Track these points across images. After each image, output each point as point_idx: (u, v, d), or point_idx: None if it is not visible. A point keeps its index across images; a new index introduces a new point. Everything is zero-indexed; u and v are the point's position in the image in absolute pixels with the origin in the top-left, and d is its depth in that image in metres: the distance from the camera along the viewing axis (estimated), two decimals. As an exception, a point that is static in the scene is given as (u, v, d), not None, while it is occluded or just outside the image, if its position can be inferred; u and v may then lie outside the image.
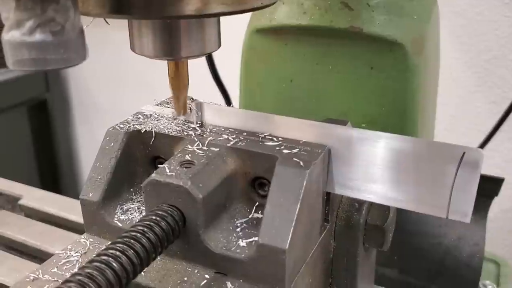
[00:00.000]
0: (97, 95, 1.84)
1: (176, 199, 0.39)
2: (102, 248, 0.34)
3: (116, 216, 0.44)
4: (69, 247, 0.43)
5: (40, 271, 0.41)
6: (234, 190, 0.43)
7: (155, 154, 0.46)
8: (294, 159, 0.39)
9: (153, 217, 0.37)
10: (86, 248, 0.43)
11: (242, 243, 0.40)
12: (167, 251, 0.41)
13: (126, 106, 1.72)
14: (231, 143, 0.43)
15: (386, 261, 0.69)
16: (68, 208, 0.82)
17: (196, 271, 0.40)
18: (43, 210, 0.83)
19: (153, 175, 0.39)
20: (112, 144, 0.45)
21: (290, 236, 0.36)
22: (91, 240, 0.44)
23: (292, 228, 0.37)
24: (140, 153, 0.46)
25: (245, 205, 0.43)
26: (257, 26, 0.68)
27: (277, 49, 0.68)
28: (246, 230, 0.41)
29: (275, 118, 0.44)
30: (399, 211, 0.44)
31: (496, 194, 0.73)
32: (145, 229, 0.35)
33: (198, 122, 0.46)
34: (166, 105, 0.49)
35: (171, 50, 0.38)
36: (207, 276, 0.39)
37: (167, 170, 0.39)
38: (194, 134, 0.45)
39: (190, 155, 0.42)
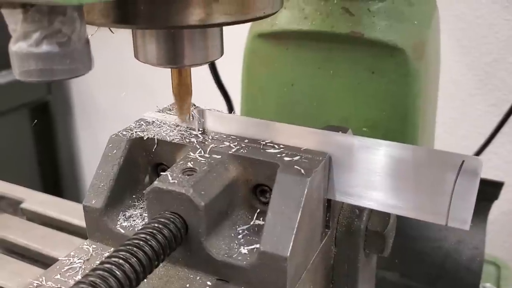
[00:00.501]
0: (98, 97, 1.84)
1: (178, 207, 0.39)
2: (105, 256, 0.34)
3: (119, 222, 0.44)
4: (72, 253, 0.44)
5: (44, 278, 0.41)
6: (235, 197, 0.43)
7: (157, 161, 0.47)
8: (295, 166, 0.40)
9: (156, 225, 0.37)
10: (89, 255, 0.43)
11: (244, 250, 0.40)
12: (169, 258, 0.41)
13: (128, 109, 1.72)
14: (233, 150, 0.43)
15: (387, 265, 0.70)
16: (70, 212, 0.82)
17: (198, 278, 0.40)
18: (45, 213, 0.83)
19: (155, 182, 0.40)
20: (115, 151, 0.45)
21: (291, 244, 0.37)
22: (93, 246, 0.44)
23: (293, 236, 0.37)
24: (142, 160, 0.47)
25: (246, 212, 0.44)
26: (258, 31, 0.68)
27: (279, 54, 0.68)
28: (248, 237, 0.42)
29: (276, 126, 0.44)
30: (399, 215, 0.44)
31: (496, 198, 0.73)
32: (147, 236, 0.36)
33: (200, 129, 0.46)
34: (169, 112, 0.50)
35: (175, 58, 0.38)
36: (209, 283, 0.40)
37: (170, 178, 0.40)
38: (196, 141, 0.45)
39: (192, 162, 0.42)
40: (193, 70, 0.44)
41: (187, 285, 0.40)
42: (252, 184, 0.43)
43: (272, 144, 0.44)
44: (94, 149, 1.93)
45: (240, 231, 0.42)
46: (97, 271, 0.32)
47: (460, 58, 1.13)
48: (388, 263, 0.70)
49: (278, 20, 0.66)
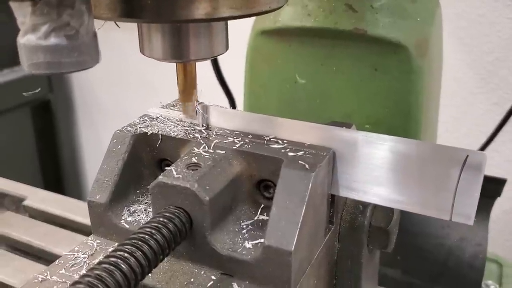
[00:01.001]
0: (100, 95, 1.85)
1: (183, 201, 0.39)
2: (110, 250, 0.34)
3: (123, 217, 0.44)
4: (76, 248, 0.44)
5: (48, 272, 0.41)
6: (239, 192, 0.43)
7: (161, 157, 0.47)
8: (300, 161, 0.40)
9: (161, 219, 0.37)
10: (93, 250, 0.44)
11: (248, 244, 0.40)
12: (174, 253, 0.41)
13: (130, 107, 1.73)
14: (237, 145, 0.43)
15: (389, 262, 0.70)
16: (72, 209, 0.83)
17: (202, 272, 0.40)
18: (48, 211, 0.83)
19: (160, 177, 0.40)
20: (119, 146, 0.45)
21: (296, 238, 0.37)
22: (98, 241, 0.45)
23: (297, 230, 0.37)
24: (146, 156, 0.47)
25: (250, 207, 0.44)
26: (261, 27, 0.68)
27: (281, 51, 0.68)
28: (252, 231, 0.42)
29: (280, 121, 0.44)
30: (403, 212, 0.44)
31: (499, 195, 0.73)
32: (152, 230, 0.36)
33: (204, 125, 0.46)
34: (172, 108, 0.50)
35: (180, 52, 0.38)
36: (213, 277, 0.40)
37: (174, 173, 0.40)
38: (200, 136, 0.45)
39: (196, 157, 0.42)
40: (196, 67, 0.44)
41: (192, 279, 0.40)
42: (256, 179, 0.43)
43: (276, 140, 0.44)
44: (96, 147, 1.93)
45: (244, 226, 0.42)
46: (102, 264, 0.33)
47: (462, 57, 1.13)
48: (390, 260, 0.70)
49: (281, 17, 0.66)
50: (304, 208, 0.38)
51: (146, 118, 0.48)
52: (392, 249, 0.48)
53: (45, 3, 0.26)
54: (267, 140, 0.44)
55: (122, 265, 0.33)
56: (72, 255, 0.43)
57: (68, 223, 0.80)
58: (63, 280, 0.40)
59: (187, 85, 0.42)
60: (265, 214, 0.43)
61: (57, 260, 0.43)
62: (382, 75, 0.65)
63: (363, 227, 0.46)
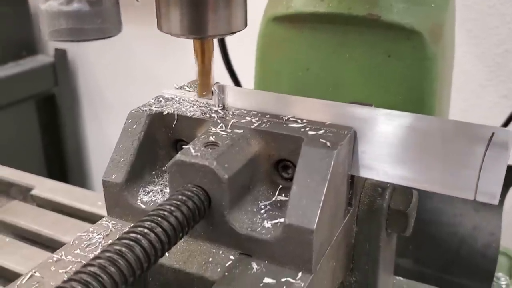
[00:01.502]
0: (105, 89, 1.84)
1: (201, 180, 0.38)
2: (130, 226, 0.34)
3: (139, 198, 0.43)
4: (91, 229, 0.43)
5: (63, 252, 0.41)
6: (257, 173, 0.42)
7: (177, 137, 0.46)
8: (321, 140, 0.39)
9: (179, 197, 0.36)
10: (109, 230, 0.43)
11: (267, 224, 0.39)
12: (191, 233, 0.40)
13: (135, 101, 1.72)
14: (255, 125, 0.42)
15: (401, 251, 0.69)
16: (79, 198, 0.82)
17: (220, 252, 0.40)
18: (55, 200, 0.83)
19: (178, 155, 0.39)
20: (134, 126, 0.44)
21: (317, 217, 0.36)
22: (113, 222, 0.44)
23: (319, 209, 0.36)
24: (161, 136, 0.46)
25: (268, 188, 0.43)
26: (273, 14, 0.68)
27: (293, 37, 0.67)
28: (270, 212, 0.41)
29: (299, 100, 0.44)
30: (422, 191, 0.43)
31: (512, 183, 0.72)
32: (172, 207, 0.35)
33: (220, 105, 0.46)
34: (187, 88, 0.49)
35: (198, 28, 0.38)
36: (231, 257, 0.39)
37: (192, 151, 0.39)
38: (217, 116, 0.44)
39: (214, 136, 0.41)
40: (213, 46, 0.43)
41: (210, 259, 0.39)
42: (274, 159, 0.42)
43: (294, 119, 0.43)
44: (100, 141, 1.92)
45: (262, 206, 0.41)
46: (122, 240, 0.32)
47: (471, 49, 1.12)
48: (403, 249, 0.69)
49: (293, 3, 0.66)
50: (326, 186, 0.37)
51: (161, 98, 0.48)
52: (410, 233, 0.47)
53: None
54: (286, 120, 0.43)
55: (143, 241, 0.32)
56: (87, 236, 0.42)
57: (76, 212, 0.80)
58: (78, 260, 0.39)
59: (204, 63, 0.42)
60: (283, 195, 0.42)
61: (72, 241, 0.42)
62: (396, 62, 0.64)
63: (381, 210, 0.45)
